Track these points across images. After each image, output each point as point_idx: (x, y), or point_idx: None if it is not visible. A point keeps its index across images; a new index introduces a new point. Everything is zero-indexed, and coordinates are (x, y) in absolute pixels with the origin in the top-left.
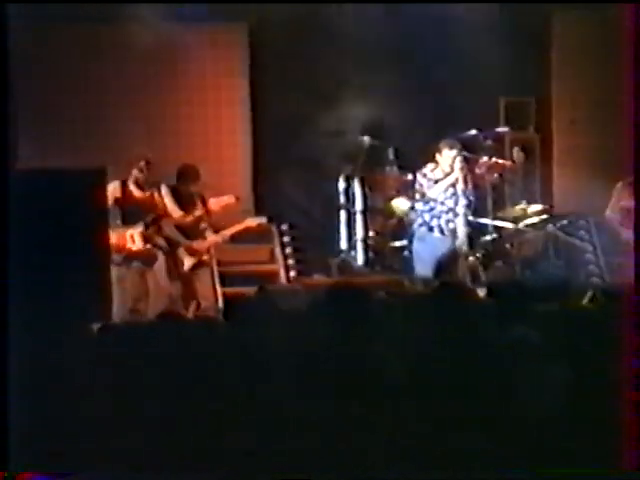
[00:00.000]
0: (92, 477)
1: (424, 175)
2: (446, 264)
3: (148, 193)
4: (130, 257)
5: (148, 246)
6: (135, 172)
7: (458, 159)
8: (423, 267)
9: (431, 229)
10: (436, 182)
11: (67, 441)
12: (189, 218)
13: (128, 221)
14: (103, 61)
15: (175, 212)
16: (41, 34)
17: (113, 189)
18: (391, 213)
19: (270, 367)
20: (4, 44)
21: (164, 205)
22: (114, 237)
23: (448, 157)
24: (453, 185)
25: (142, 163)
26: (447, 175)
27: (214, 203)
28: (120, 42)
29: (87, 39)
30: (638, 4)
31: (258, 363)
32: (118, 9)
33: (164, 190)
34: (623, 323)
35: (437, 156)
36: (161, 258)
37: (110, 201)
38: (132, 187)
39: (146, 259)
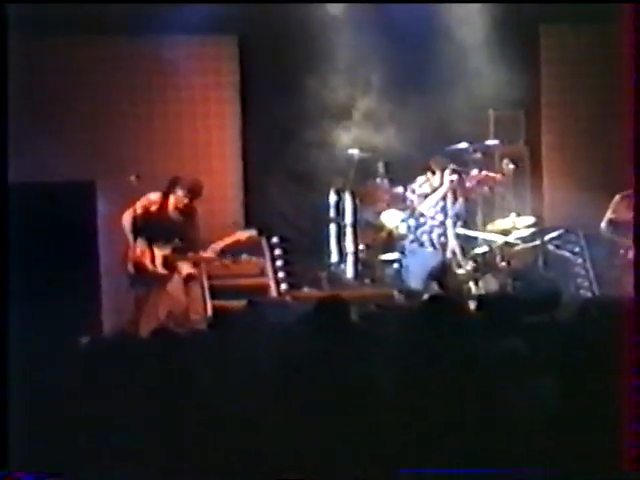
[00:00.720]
0: (91, 477)
1: (413, 191)
2: (437, 277)
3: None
4: (142, 276)
5: (166, 271)
6: (180, 194)
7: (447, 172)
8: (415, 281)
9: (422, 244)
10: (425, 197)
11: (66, 442)
12: (191, 252)
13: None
14: (91, 74)
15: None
16: (35, 46)
17: (151, 200)
18: (381, 226)
19: (259, 380)
20: (4, 44)
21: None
22: (134, 250)
23: (438, 174)
24: (443, 198)
25: (132, 178)
26: (436, 189)
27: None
28: (109, 55)
29: (76, 49)
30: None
31: (247, 376)
32: (108, 21)
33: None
34: (620, 329)
35: (428, 174)
36: (176, 278)
37: (142, 210)
38: (172, 205)
39: (158, 280)
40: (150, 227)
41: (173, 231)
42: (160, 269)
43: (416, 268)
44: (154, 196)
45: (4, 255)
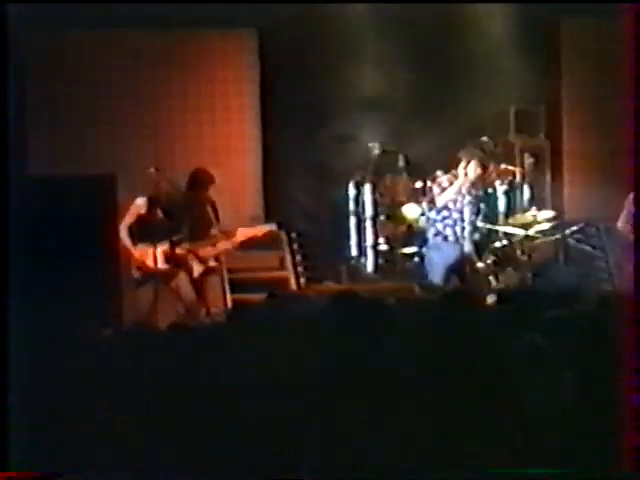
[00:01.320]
0: (91, 477)
1: (439, 184)
2: (458, 271)
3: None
4: (147, 275)
5: (168, 266)
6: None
7: (473, 164)
8: (436, 274)
9: (445, 238)
10: (443, 190)
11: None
12: (209, 246)
13: (145, 237)
14: (112, 66)
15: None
16: (52, 39)
17: (138, 206)
18: (401, 220)
19: (280, 374)
20: (4, 44)
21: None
22: (137, 253)
23: (463, 165)
24: (465, 191)
25: (152, 170)
26: (454, 182)
27: (242, 233)
28: (130, 48)
29: (96, 44)
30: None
31: (268, 370)
32: (127, 13)
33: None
34: (624, 325)
35: (459, 168)
36: (182, 273)
37: (133, 218)
38: (158, 209)
39: (163, 277)
40: (145, 230)
41: (169, 227)
42: (161, 265)
43: (437, 261)
44: (140, 201)
45: (4, 255)
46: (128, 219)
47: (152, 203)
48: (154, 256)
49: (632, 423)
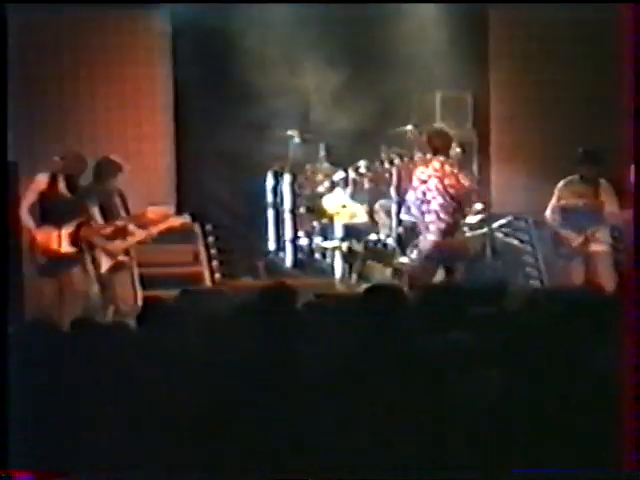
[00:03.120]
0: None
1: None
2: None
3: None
4: (52, 260)
5: (74, 249)
6: (64, 165)
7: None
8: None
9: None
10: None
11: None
12: (110, 229)
13: (49, 219)
14: (14, 48)
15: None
16: None
17: (39, 182)
18: (322, 212)
19: (191, 375)
20: (4, 43)
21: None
22: (39, 236)
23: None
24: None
25: (56, 159)
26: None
27: (152, 212)
28: (33, 28)
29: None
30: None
31: (179, 371)
32: None
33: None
34: (570, 321)
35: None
36: (80, 261)
37: (35, 195)
38: (61, 183)
39: (67, 262)
40: (49, 209)
41: (74, 209)
42: (66, 249)
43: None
44: (42, 176)
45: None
46: (29, 197)
47: (55, 179)
48: (59, 239)
49: (632, 423)
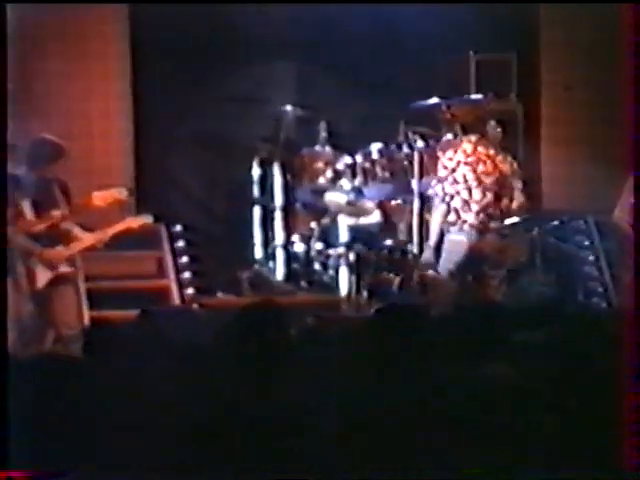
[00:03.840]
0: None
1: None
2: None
3: None
4: None
5: None
6: None
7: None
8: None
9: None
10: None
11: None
12: (44, 223)
13: None
14: None
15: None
16: None
17: None
18: (323, 210)
19: (150, 421)
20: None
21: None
22: None
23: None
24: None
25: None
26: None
27: (98, 197)
28: None
29: None
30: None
31: (133, 414)
32: None
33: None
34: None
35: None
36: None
37: None
38: None
39: None
40: None
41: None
42: None
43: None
44: None
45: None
46: None
47: None
48: None
49: (632, 423)
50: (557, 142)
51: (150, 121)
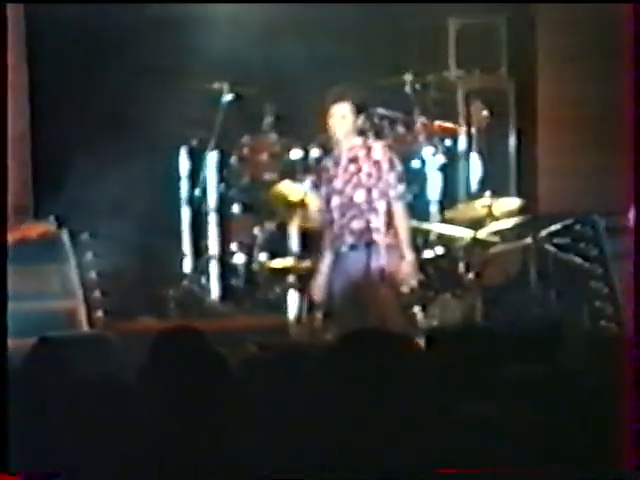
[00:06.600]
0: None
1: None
2: (360, 297)
3: None
4: None
5: None
6: None
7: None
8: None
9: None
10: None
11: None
12: None
13: None
14: None
15: None
16: None
17: None
18: (268, 212)
19: None
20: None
21: None
22: None
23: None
24: (358, 170)
25: None
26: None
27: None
28: None
29: None
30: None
31: None
32: None
33: None
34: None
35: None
36: None
37: None
38: None
39: None
40: None
41: None
42: None
43: (331, 280)
44: None
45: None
46: None
47: None
48: None
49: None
50: (557, 126)
51: (48, 98)
